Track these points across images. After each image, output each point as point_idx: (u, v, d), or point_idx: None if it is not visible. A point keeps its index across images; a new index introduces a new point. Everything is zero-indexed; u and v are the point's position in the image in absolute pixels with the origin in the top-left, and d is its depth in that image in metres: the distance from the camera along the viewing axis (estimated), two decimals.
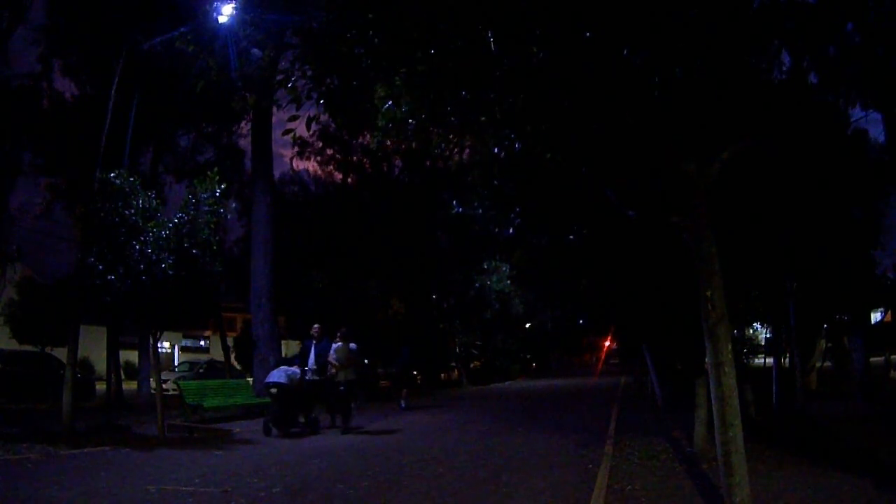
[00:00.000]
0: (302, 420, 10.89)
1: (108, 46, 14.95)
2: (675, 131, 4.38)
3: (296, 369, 10.79)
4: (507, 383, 31.92)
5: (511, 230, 8.00)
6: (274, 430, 10.35)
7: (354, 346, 11.44)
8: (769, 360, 17.55)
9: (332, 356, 11.05)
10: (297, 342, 22.01)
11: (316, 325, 11.92)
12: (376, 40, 4.22)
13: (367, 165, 26.36)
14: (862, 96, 5.10)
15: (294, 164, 61.93)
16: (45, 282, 21.33)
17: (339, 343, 11.17)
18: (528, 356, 39.62)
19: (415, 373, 20.05)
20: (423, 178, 26.37)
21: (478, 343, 32.93)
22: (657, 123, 4.40)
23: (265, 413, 11.43)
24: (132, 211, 9.77)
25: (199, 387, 13.67)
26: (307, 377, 11.11)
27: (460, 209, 8.29)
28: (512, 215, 7.86)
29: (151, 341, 10.97)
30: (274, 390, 10.27)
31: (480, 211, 7.72)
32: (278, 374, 10.49)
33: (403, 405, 15.67)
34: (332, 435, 10.50)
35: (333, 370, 11.03)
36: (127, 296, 9.63)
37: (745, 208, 6.63)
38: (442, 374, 31.92)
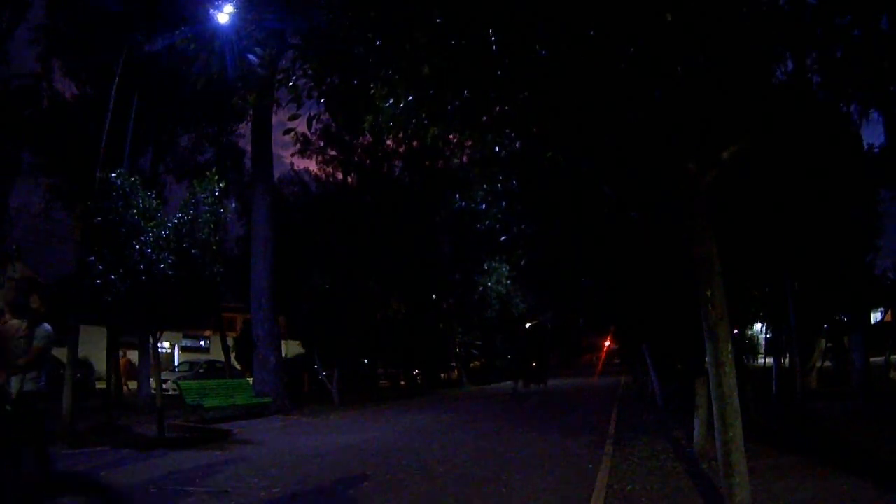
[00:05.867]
0: None
1: (107, 47, 14.94)
2: (675, 131, 4.38)
3: None
4: (507, 383, 31.91)
5: (512, 229, 7.99)
6: None
7: (49, 328, 5.63)
8: (769, 361, 17.56)
9: None
10: (297, 342, 21.99)
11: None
12: (378, 40, 4.22)
13: (368, 165, 26.37)
14: (862, 97, 5.10)
15: (294, 164, 61.98)
16: (45, 282, 21.30)
17: (9, 324, 5.53)
18: (511, 356, 39.56)
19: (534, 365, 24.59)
20: (423, 178, 26.38)
21: (478, 343, 32.90)
22: (658, 123, 4.40)
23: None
24: (132, 211, 9.79)
25: (199, 387, 13.71)
26: None
27: (462, 204, 8.25)
28: (511, 218, 7.86)
29: (151, 341, 10.97)
30: None
31: (483, 206, 7.70)
32: None
33: (535, 388, 20.80)
34: None
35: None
36: (127, 296, 9.65)
37: (745, 208, 6.64)
38: (442, 374, 31.89)
